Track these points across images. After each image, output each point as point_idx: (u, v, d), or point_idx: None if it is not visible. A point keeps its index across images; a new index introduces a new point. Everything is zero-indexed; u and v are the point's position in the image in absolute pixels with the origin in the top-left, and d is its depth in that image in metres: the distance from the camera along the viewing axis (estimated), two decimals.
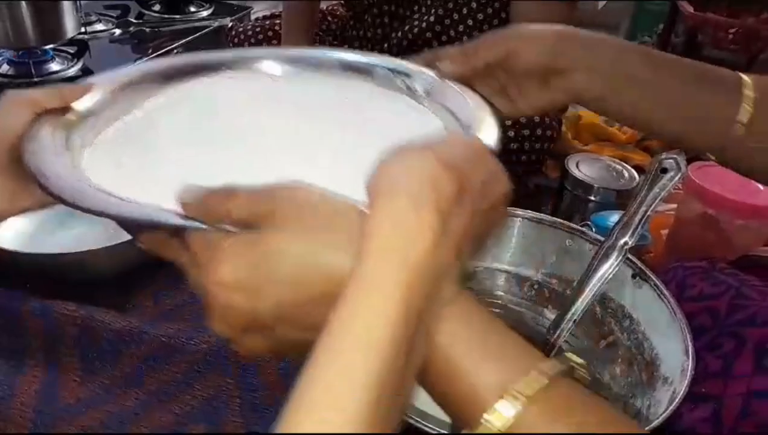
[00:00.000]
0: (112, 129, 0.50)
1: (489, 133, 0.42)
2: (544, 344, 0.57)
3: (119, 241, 0.77)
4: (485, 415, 0.31)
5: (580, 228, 0.59)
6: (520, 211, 0.62)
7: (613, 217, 0.84)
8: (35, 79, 1.26)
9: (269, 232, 0.31)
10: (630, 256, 0.55)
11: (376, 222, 0.29)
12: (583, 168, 0.94)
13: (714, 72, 0.54)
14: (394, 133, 0.42)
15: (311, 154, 0.46)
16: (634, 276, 0.56)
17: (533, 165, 1.08)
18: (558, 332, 0.56)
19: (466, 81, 0.53)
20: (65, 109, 0.47)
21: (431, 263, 0.28)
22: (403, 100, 0.55)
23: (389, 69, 0.56)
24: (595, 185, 0.92)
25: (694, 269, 0.60)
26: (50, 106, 0.46)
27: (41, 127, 0.45)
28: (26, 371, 0.65)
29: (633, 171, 0.93)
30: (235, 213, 0.32)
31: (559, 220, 0.61)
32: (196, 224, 0.33)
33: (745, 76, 0.53)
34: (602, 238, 0.57)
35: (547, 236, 0.61)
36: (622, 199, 0.91)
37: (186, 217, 0.33)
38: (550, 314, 0.62)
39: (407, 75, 0.55)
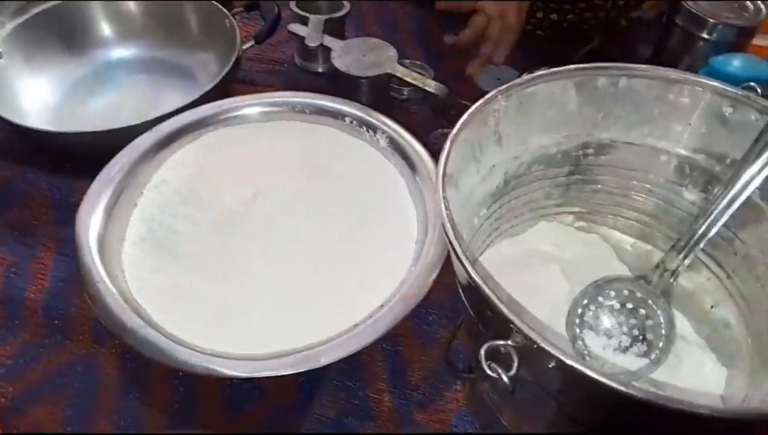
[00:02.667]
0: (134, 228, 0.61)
1: None
2: (689, 234, 0.48)
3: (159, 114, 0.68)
4: None
5: (745, 92, 0.47)
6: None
7: (736, 62, 0.71)
8: None
9: None
10: None
11: None
12: None
13: None
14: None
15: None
16: None
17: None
18: (708, 220, 0.46)
19: None
20: None
21: None
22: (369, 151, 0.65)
23: (357, 118, 0.65)
24: (711, 20, 0.77)
25: None
26: None
27: None
28: None
29: (759, 1, 0.78)
30: None
31: (716, 81, 0.48)
32: None
33: None
34: None
35: (698, 101, 0.49)
36: (743, 37, 0.77)
37: None
38: (689, 195, 0.52)
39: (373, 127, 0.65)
